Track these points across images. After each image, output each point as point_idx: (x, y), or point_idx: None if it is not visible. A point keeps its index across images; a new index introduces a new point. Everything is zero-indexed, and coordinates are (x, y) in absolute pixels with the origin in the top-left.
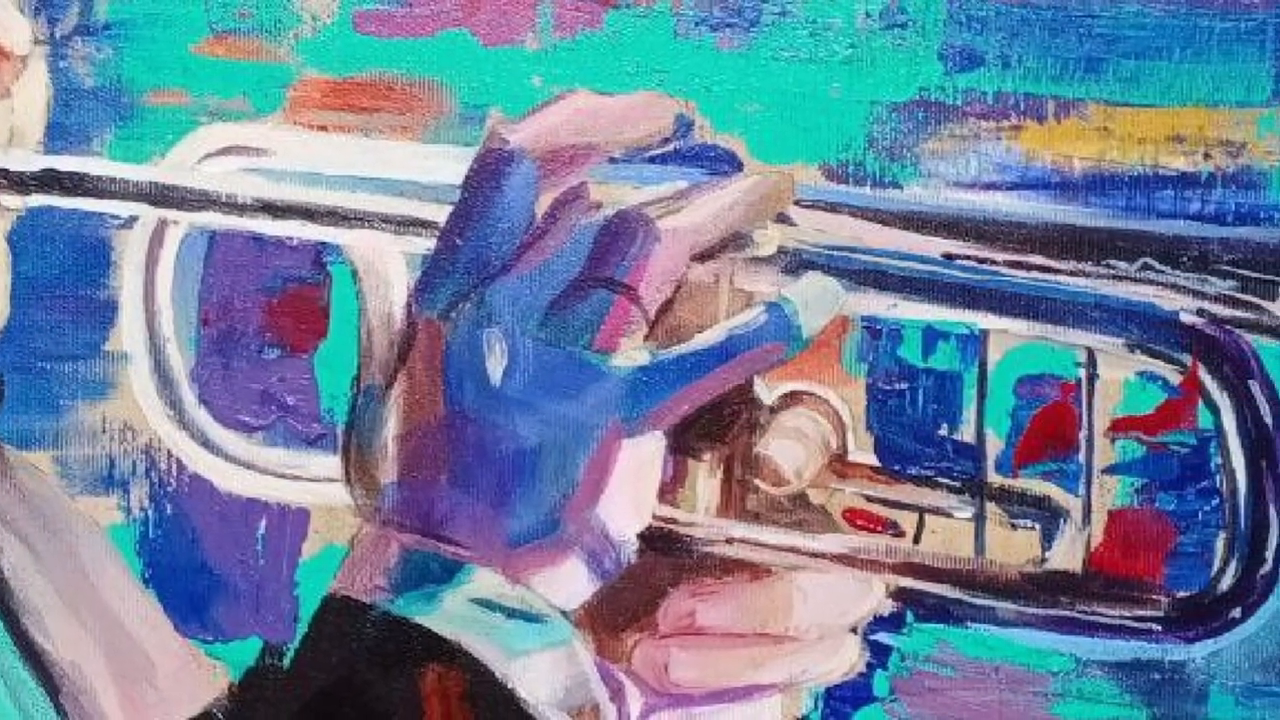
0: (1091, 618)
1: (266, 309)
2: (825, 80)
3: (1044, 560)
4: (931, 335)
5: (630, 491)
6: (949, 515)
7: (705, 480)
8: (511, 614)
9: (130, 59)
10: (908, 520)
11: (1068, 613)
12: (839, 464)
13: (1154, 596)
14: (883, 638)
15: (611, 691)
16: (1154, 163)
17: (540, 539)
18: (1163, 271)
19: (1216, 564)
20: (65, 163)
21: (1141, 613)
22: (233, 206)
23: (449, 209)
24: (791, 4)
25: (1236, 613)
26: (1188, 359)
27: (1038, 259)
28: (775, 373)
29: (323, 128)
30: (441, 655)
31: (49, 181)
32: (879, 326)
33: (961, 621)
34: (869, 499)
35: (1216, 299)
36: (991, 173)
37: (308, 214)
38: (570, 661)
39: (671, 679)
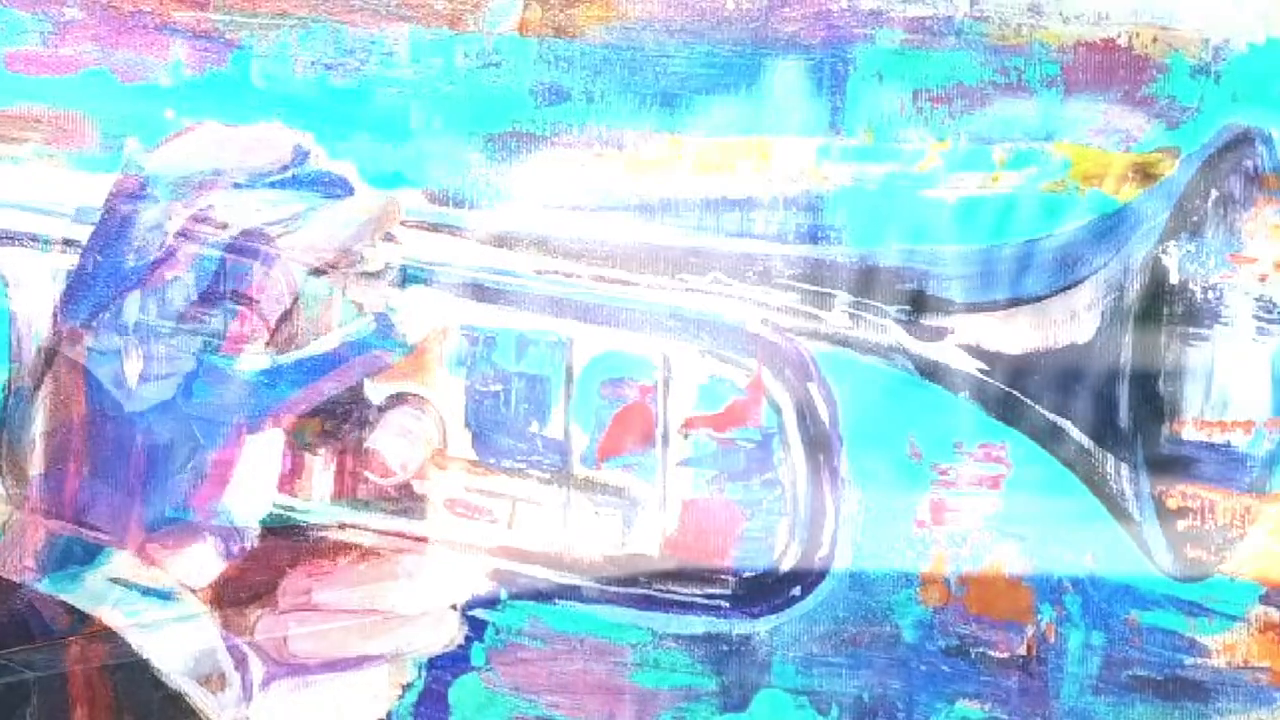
0: (667, 595)
1: None
2: (429, 113)
3: (624, 544)
4: (523, 342)
5: (253, 482)
6: (539, 504)
7: (320, 472)
8: (146, 592)
9: None
10: (502, 508)
11: (645, 591)
12: (440, 457)
13: (723, 577)
14: (480, 613)
15: (236, 661)
16: (723, 187)
17: (171, 525)
18: (730, 285)
19: (779, 548)
20: None
21: (712, 591)
22: None
23: (91, 229)
24: (398, 45)
25: (796, 591)
26: (753, 363)
27: (619, 274)
28: (383, 375)
29: None
30: (83, 629)
31: None
32: (476, 334)
33: (550, 599)
34: (467, 489)
35: (778, 310)
36: (578, 196)
37: None
38: (199, 634)
39: (290, 650)
